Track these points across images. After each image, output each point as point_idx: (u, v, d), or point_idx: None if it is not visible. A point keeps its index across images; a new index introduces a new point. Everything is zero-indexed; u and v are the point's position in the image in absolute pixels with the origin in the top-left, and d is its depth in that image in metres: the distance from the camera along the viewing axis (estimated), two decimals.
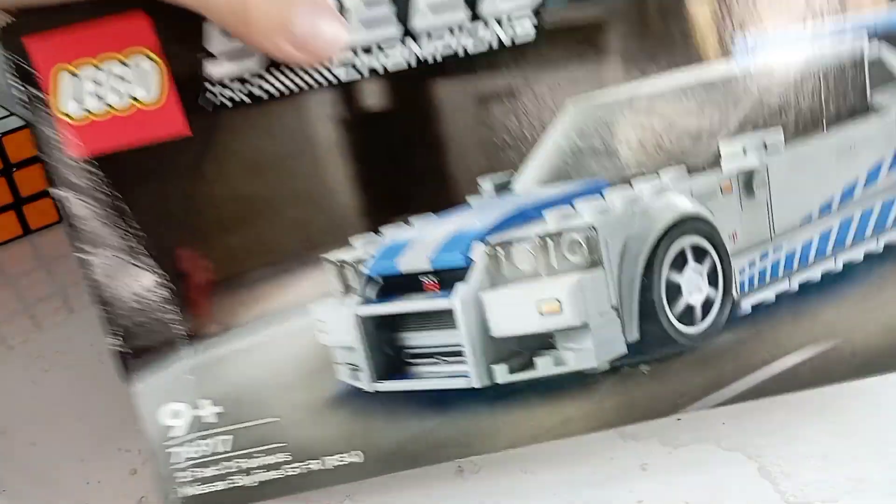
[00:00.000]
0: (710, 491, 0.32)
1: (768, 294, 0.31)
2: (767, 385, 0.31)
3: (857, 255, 0.31)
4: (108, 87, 0.28)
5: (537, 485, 0.34)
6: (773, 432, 0.34)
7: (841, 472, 0.32)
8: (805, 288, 0.31)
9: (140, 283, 0.30)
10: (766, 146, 0.29)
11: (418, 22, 0.27)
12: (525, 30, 0.28)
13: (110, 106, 0.28)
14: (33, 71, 0.27)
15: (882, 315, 0.30)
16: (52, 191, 0.29)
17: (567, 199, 0.30)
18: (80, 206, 0.29)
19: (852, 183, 0.30)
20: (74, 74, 0.28)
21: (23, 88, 0.28)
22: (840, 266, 0.31)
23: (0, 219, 0.60)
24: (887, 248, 0.30)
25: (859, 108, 0.30)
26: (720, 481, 0.33)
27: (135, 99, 0.28)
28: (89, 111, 0.28)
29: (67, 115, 0.28)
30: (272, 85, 0.28)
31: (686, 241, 0.30)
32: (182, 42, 0.27)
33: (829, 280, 0.31)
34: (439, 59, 0.28)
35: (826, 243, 0.31)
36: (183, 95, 0.28)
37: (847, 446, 0.33)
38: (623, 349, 0.30)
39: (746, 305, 0.31)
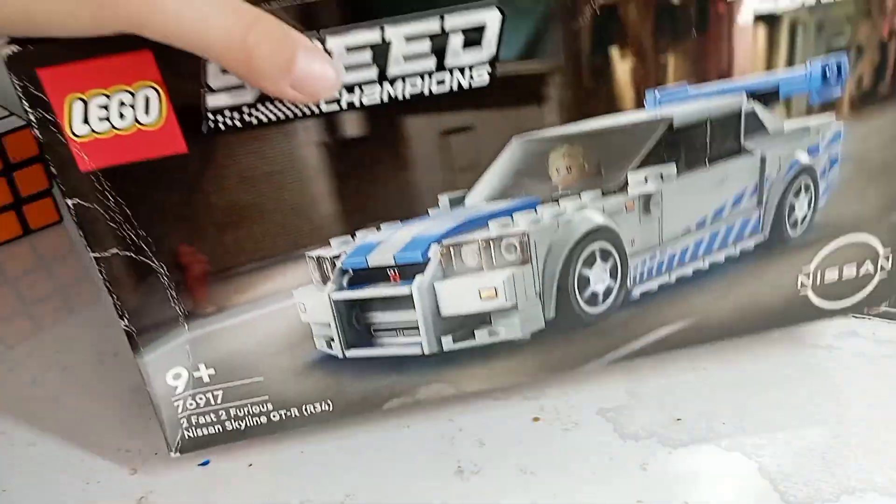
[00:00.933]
0: (710, 491, 0.32)
1: (653, 285, 0.39)
2: (647, 348, 0.40)
3: (719, 257, 0.40)
4: (115, 112, 0.31)
5: (537, 485, 0.34)
6: (773, 432, 0.34)
7: (841, 472, 0.32)
8: (680, 280, 0.39)
9: (144, 274, 0.35)
10: (662, 176, 0.37)
11: (393, 69, 0.32)
12: (481, 78, 0.33)
13: (114, 127, 0.31)
14: (46, 98, 0.30)
15: (733, 299, 0.40)
16: (67, 201, 0.33)
17: (507, 212, 0.36)
18: (90, 213, 0.33)
19: (722, 205, 0.38)
20: (84, 101, 0.31)
21: (35, 111, 0.31)
22: (707, 265, 0.40)
23: (0, 219, 0.58)
24: (742, 253, 0.40)
25: (734, 150, 0.38)
26: (720, 481, 0.32)
27: (138, 122, 0.31)
28: (95, 131, 0.31)
29: (76, 134, 0.31)
30: (263, 114, 0.32)
31: (596, 246, 0.38)
32: (184, 77, 0.31)
33: (699, 275, 0.39)
34: (408, 97, 0.33)
35: (699, 249, 0.39)
36: (181, 121, 0.31)
37: (847, 446, 0.33)
38: (542, 324, 0.38)
39: (636, 293, 0.39)
